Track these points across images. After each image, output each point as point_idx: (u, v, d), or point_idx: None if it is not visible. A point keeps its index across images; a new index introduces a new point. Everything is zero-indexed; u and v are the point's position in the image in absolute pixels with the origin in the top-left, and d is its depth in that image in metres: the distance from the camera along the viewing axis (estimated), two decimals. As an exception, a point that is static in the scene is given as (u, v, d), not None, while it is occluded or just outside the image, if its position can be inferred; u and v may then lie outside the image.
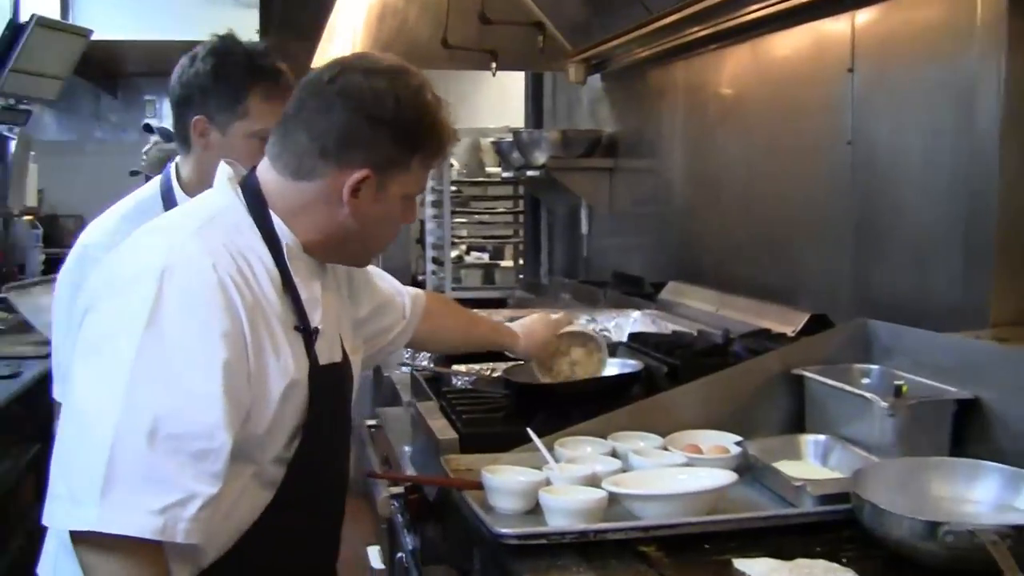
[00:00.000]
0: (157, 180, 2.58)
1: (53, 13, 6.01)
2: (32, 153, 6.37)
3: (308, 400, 1.80)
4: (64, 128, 8.60)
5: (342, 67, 1.83)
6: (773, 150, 3.46)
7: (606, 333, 3.64)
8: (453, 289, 6.78)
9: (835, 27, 3.07)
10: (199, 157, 2.52)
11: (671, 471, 2.04)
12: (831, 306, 3.02)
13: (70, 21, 6.21)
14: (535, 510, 1.90)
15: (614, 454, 2.17)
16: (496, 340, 2.66)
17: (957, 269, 2.57)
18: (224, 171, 1.90)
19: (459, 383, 2.82)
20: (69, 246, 2.50)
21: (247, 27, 5.70)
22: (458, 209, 7.03)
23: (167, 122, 6.48)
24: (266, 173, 1.86)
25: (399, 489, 2.65)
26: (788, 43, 3.38)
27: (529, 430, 2.12)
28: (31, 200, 6.52)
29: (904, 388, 2.07)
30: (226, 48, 2.51)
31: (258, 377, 1.72)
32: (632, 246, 4.80)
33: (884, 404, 2.04)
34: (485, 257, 7.69)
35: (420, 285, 7.47)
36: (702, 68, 4.03)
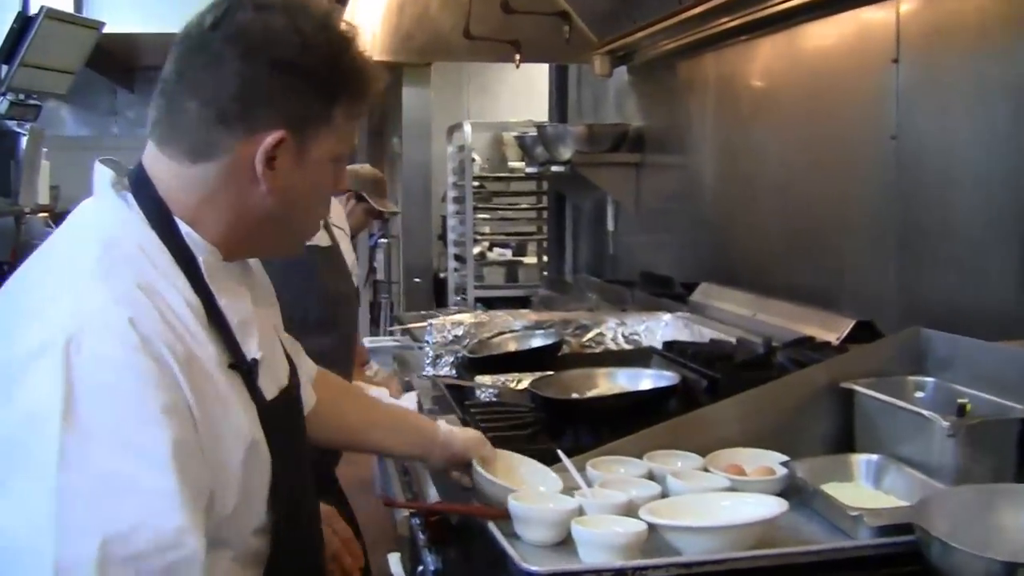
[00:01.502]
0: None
1: (65, 5, 5.89)
2: (45, 149, 6.25)
3: (269, 451, 1.47)
4: (80, 123, 8.52)
5: (226, 5, 1.46)
6: (811, 145, 3.30)
7: (636, 337, 3.50)
8: (476, 287, 6.65)
9: (878, 15, 2.91)
10: None
11: (714, 497, 1.88)
12: (874, 311, 2.85)
13: (83, 14, 6.09)
14: (566, 541, 1.74)
15: (650, 476, 2.02)
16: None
17: (1012, 273, 2.41)
18: (103, 174, 1.51)
19: (483, 396, 2.67)
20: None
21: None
22: (480, 205, 6.90)
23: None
24: (155, 163, 1.49)
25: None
26: (827, 32, 3.21)
27: (560, 452, 1.97)
28: (43, 198, 6.40)
29: (968, 406, 1.90)
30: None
31: (213, 449, 1.37)
32: (660, 244, 4.64)
33: (945, 424, 1.88)
34: (508, 254, 7.57)
35: (442, 283, 7.36)
36: (734, 60, 3.86)
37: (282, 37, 1.44)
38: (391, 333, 5.15)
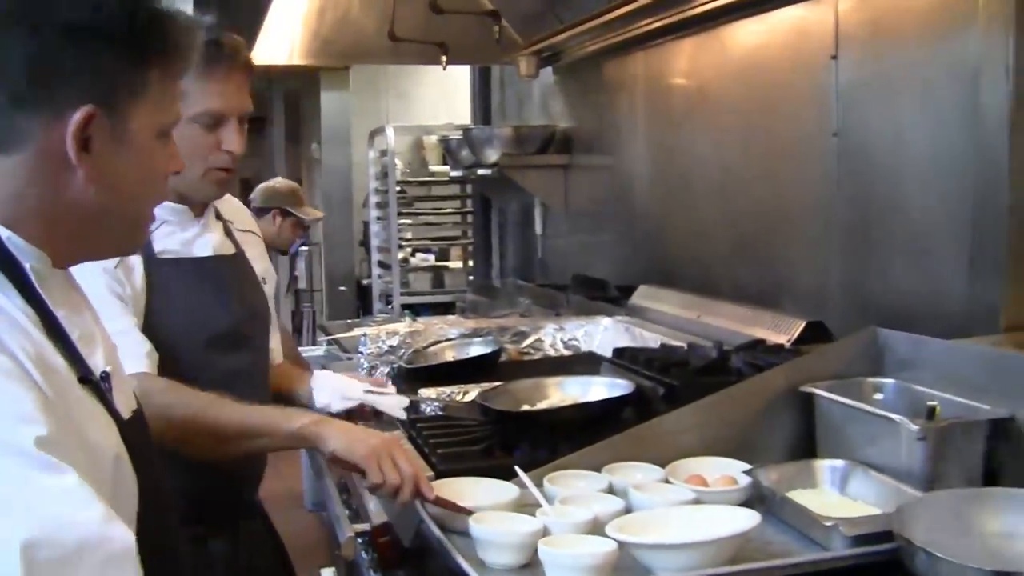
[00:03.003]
0: None
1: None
2: None
3: (134, 472, 1.32)
4: None
5: None
6: (750, 144, 3.25)
7: (575, 343, 3.43)
8: (402, 294, 6.55)
9: (815, 11, 2.88)
10: None
11: (681, 511, 1.81)
12: (821, 311, 2.81)
13: None
14: (532, 562, 1.66)
15: (610, 490, 1.94)
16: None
17: (962, 270, 2.38)
18: None
19: (428, 409, 2.57)
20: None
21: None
22: (402, 210, 6.81)
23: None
24: None
25: (364, 527, 2.40)
26: (762, 30, 3.17)
27: (518, 469, 1.88)
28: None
29: (937, 409, 1.85)
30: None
31: (86, 463, 1.19)
32: (593, 247, 4.58)
33: (914, 427, 1.82)
34: (431, 259, 7.49)
35: (366, 290, 7.25)
36: (664, 59, 3.81)
37: None
38: (317, 343, 5.04)
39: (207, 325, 2.29)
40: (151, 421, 1.67)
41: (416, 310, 6.16)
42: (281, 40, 5.07)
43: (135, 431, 1.37)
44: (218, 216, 2.46)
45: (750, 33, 3.23)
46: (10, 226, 1.28)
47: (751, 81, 3.23)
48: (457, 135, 5.31)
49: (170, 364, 2.13)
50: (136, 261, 2.22)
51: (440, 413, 2.49)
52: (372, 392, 2.64)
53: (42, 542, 1.07)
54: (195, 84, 2.17)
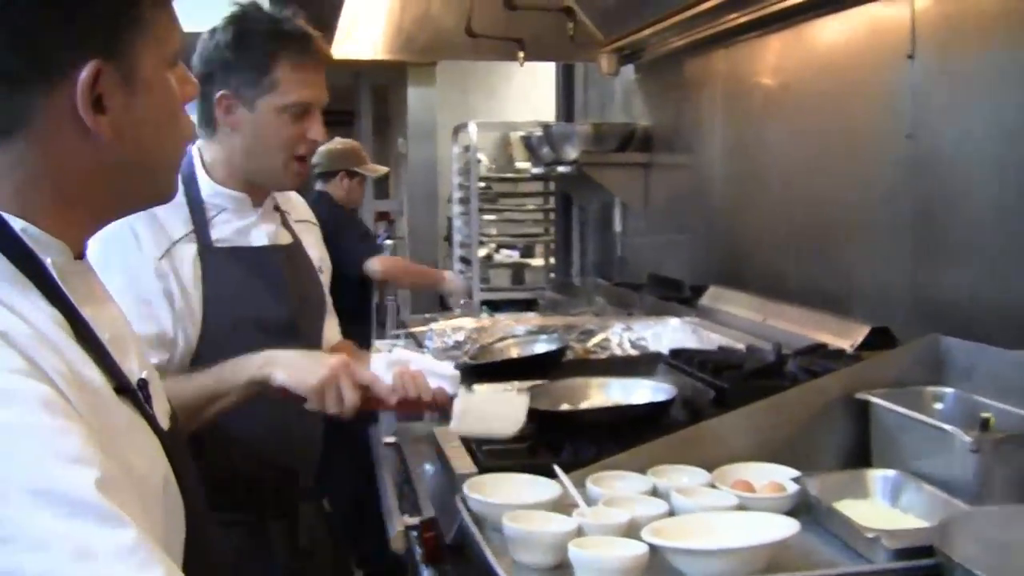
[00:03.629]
0: None
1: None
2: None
3: (181, 493, 1.23)
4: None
5: None
6: (823, 144, 3.18)
7: (643, 343, 3.39)
8: (481, 290, 6.55)
9: (892, 10, 2.80)
10: (227, 139, 2.33)
11: (721, 516, 1.77)
12: (888, 316, 2.74)
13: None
14: (565, 563, 1.64)
15: (654, 492, 1.91)
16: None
17: (1035, 277, 2.30)
18: None
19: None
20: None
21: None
22: (486, 206, 6.81)
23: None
24: None
25: (414, 521, 2.40)
26: (840, 28, 3.10)
27: (556, 468, 1.86)
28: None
29: (991, 420, 1.79)
30: (246, 15, 2.31)
31: (140, 489, 1.10)
32: (669, 246, 4.53)
33: (967, 439, 1.77)
34: (515, 255, 7.47)
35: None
36: (744, 57, 3.75)
37: None
38: (396, 336, 5.06)
39: (262, 314, 2.32)
40: None
41: (496, 306, 6.15)
42: (365, 34, 5.09)
43: (176, 442, 1.28)
44: (275, 207, 2.48)
45: (828, 31, 3.17)
46: (25, 215, 1.17)
47: (826, 80, 3.17)
48: (539, 132, 5.29)
49: (224, 353, 2.13)
50: (188, 251, 2.25)
51: (492, 409, 2.47)
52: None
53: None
54: (289, 74, 2.26)
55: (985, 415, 1.80)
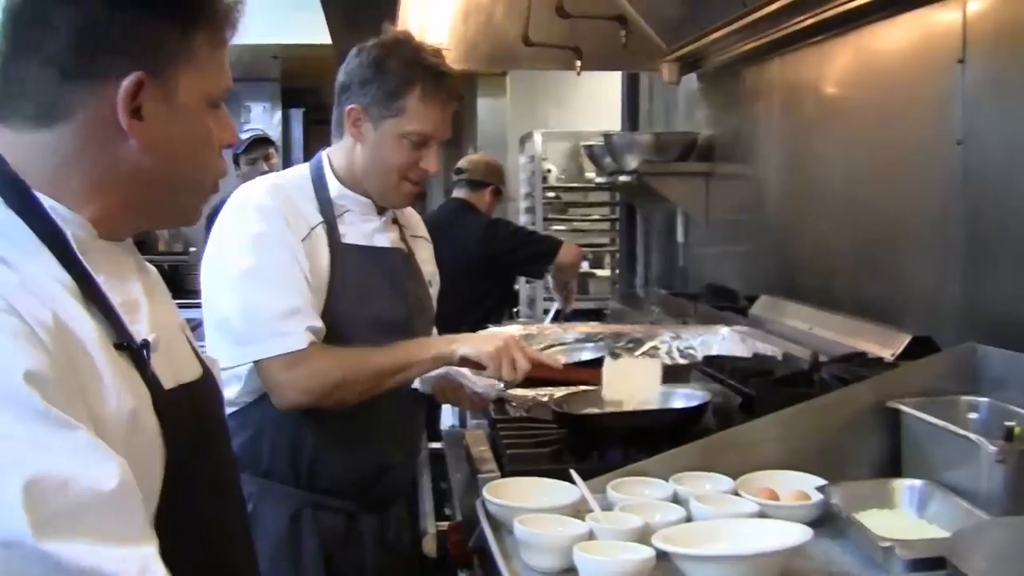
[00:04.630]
0: (306, 164, 2.55)
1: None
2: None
3: (163, 443, 1.29)
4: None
5: None
6: (874, 152, 3.13)
7: (691, 351, 3.37)
8: (545, 299, 6.54)
9: (944, 14, 2.75)
10: (351, 148, 2.47)
11: (736, 524, 1.75)
12: (938, 326, 2.68)
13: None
14: (572, 567, 1.63)
15: (675, 499, 1.89)
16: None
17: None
18: None
19: (514, 411, 2.56)
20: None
21: (313, 29, 5.55)
22: (553, 216, 6.80)
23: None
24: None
25: (444, 526, 2.42)
26: (892, 33, 3.05)
27: (573, 472, 1.85)
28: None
29: (1016, 430, 1.75)
30: (395, 42, 2.47)
31: (97, 416, 1.18)
32: (728, 256, 4.49)
33: (992, 448, 1.73)
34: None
35: (515, 295, 7.26)
36: (799, 65, 3.71)
37: None
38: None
39: (383, 312, 2.46)
40: (303, 390, 2.24)
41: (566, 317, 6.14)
42: (433, 40, 5.12)
43: (179, 405, 1.35)
44: (394, 220, 2.60)
45: (879, 37, 3.12)
46: (56, 197, 1.28)
47: (878, 87, 3.12)
48: (601, 142, 5.27)
49: (342, 344, 2.33)
50: (321, 240, 2.39)
51: (525, 414, 2.47)
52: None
53: (51, 485, 1.06)
54: (416, 104, 2.39)
55: (1009, 424, 1.75)
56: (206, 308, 2.33)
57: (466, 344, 2.34)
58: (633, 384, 2.36)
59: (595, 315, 5.84)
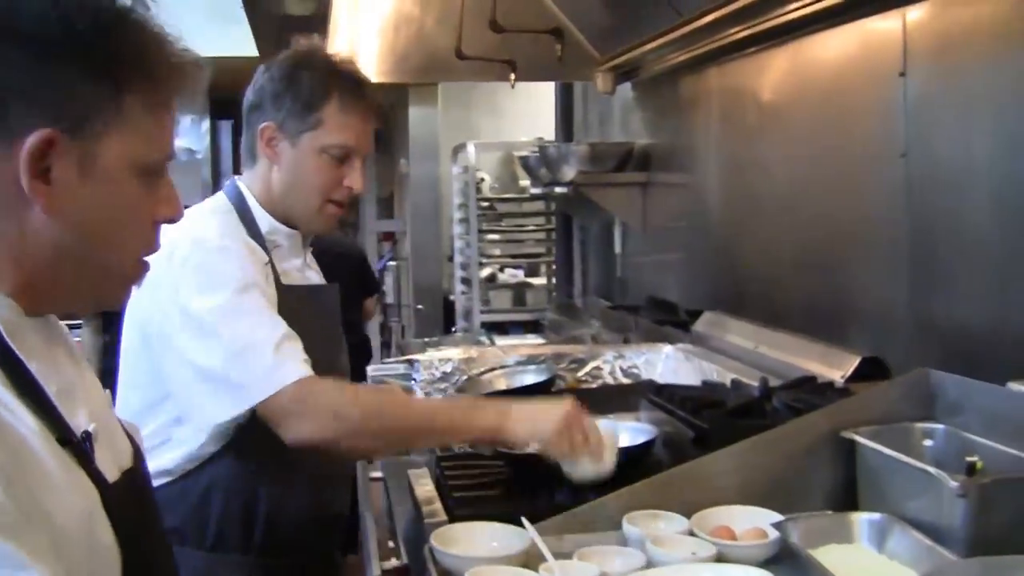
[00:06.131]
0: (217, 197, 2.35)
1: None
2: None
3: (118, 546, 1.19)
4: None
5: None
6: (817, 165, 3.10)
7: (635, 371, 3.32)
8: (482, 311, 6.48)
9: (884, 25, 2.72)
10: (267, 172, 2.29)
11: (697, 569, 1.69)
12: (886, 343, 2.65)
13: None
14: (528, 624, 1.56)
15: (631, 541, 1.83)
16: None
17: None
18: None
19: (458, 447, 2.48)
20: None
21: (239, 42, 5.45)
22: (487, 227, 6.75)
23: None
24: None
25: (392, 565, 2.33)
26: (831, 45, 3.02)
27: (525, 521, 1.78)
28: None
29: (978, 464, 1.70)
30: (306, 53, 2.34)
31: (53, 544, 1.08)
32: (668, 268, 4.44)
33: (954, 483, 1.68)
34: (520, 275, 7.40)
35: (452, 306, 7.20)
36: (737, 74, 3.67)
37: (31, 10, 1.13)
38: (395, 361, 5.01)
39: (323, 357, 2.23)
40: (317, 421, 2.00)
41: (498, 328, 6.10)
42: (361, 58, 5.03)
43: (123, 496, 1.24)
44: None
45: (819, 48, 3.08)
46: None
47: (820, 98, 3.08)
48: (537, 152, 5.22)
49: None
50: (270, 281, 2.22)
51: (469, 450, 2.40)
52: None
53: None
54: (335, 114, 2.24)
55: (971, 459, 1.70)
56: (176, 365, 2.09)
57: (520, 428, 2.07)
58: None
59: (533, 326, 5.79)
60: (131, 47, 1.19)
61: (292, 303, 2.20)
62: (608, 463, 2.08)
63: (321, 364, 2.17)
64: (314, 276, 2.43)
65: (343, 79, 2.28)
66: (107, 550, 1.18)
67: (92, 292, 1.28)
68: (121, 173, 1.21)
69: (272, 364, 2.02)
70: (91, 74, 1.17)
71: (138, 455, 1.37)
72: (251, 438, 2.12)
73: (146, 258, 1.30)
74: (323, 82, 2.25)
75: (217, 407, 2.04)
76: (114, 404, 1.47)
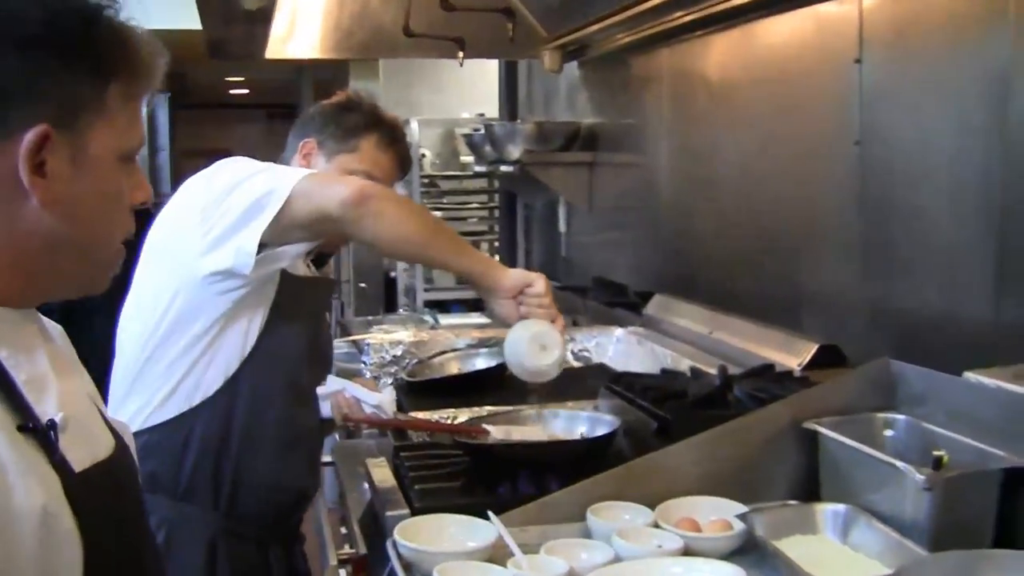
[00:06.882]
0: None
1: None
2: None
3: (80, 532, 1.19)
4: None
5: None
6: (770, 149, 3.10)
7: (586, 354, 3.31)
8: (426, 290, 6.44)
9: (839, 11, 2.72)
10: None
11: (664, 564, 1.68)
12: (837, 331, 2.67)
13: None
14: (497, 621, 1.54)
15: (596, 534, 1.82)
16: None
17: (988, 291, 2.23)
18: None
19: (415, 436, 2.46)
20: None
21: (184, 14, 5.34)
22: (429, 204, 6.70)
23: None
24: None
25: (346, 554, 2.31)
26: (786, 29, 3.01)
27: (491, 515, 1.76)
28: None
29: (944, 459, 1.71)
30: (359, 98, 2.65)
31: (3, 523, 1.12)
32: (615, 248, 4.43)
33: (920, 477, 1.68)
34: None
35: (393, 283, 7.15)
36: (689, 55, 3.66)
37: (21, 12, 1.19)
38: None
39: (317, 343, 2.45)
40: (354, 182, 2.15)
41: (441, 306, 6.05)
42: (304, 33, 4.95)
43: (93, 486, 1.24)
44: None
45: (774, 32, 3.08)
46: None
47: (773, 83, 3.08)
48: (481, 130, 5.17)
49: (280, 380, 2.29)
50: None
51: (428, 440, 2.37)
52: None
53: None
54: (371, 150, 2.51)
55: (938, 453, 1.71)
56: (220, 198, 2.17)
57: (504, 270, 2.32)
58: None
59: (475, 305, 5.75)
60: (111, 43, 1.25)
61: (293, 291, 2.31)
62: (556, 354, 2.21)
63: (313, 352, 2.38)
64: (306, 271, 2.51)
65: (385, 124, 2.56)
66: (66, 534, 1.19)
67: (79, 278, 1.33)
68: (107, 162, 1.27)
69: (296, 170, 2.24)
70: (78, 69, 1.22)
71: (122, 450, 1.37)
72: (232, 395, 2.24)
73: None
74: (367, 121, 2.53)
75: (255, 220, 2.11)
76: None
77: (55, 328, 1.40)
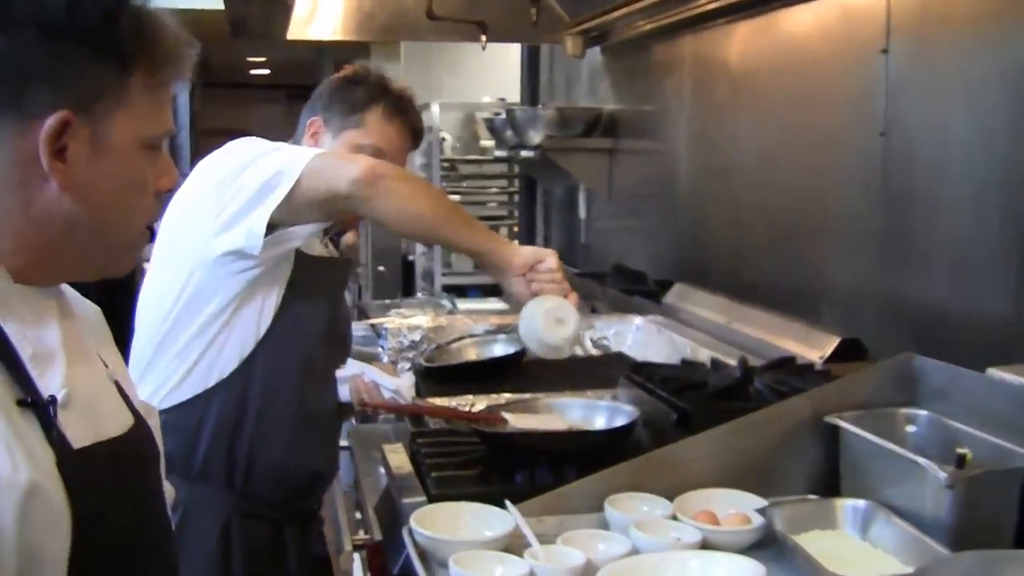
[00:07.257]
0: None
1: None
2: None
3: (71, 510, 1.19)
4: None
5: None
6: (793, 139, 3.07)
7: (605, 343, 3.29)
8: (444, 274, 6.43)
9: (866, 1, 2.69)
10: None
11: (682, 558, 1.67)
12: (858, 322, 2.65)
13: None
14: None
15: (614, 526, 1.81)
16: None
17: (1010, 285, 2.21)
18: None
19: (433, 422, 2.45)
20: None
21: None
22: (449, 188, 6.68)
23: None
24: None
25: (364, 540, 2.31)
26: (811, 18, 2.99)
27: (508, 504, 1.75)
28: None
29: (968, 457, 1.69)
30: (364, 70, 2.58)
31: None
32: (634, 235, 4.41)
33: (942, 474, 1.67)
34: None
35: (411, 266, 7.14)
36: (712, 43, 3.63)
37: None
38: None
39: (334, 323, 2.46)
40: (365, 160, 2.16)
41: (459, 291, 6.05)
42: (326, 13, 4.94)
43: (92, 464, 1.24)
44: None
45: (799, 22, 3.06)
46: None
47: (796, 72, 3.06)
48: (502, 114, 5.16)
49: (295, 359, 2.31)
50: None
51: (445, 426, 2.37)
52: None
53: None
54: (377, 122, 2.46)
55: (961, 450, 1.69)
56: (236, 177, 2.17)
57: (512, 246, 2.29)
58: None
59: (493, 290, 5.74)
60: (134, 31, 1.26)
61: (308, 271, 2.32)
62: (572, 327, 2.17)
63: (330, 333, 2.40)
64: (323, 250, 2.51)
65: (391, 94, 2.50)
66: (56, 509, 1.19)
67: (100, 260, 1.35)
68: (128, 149, 1.28)
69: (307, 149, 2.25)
70: (99, 57, 1.24)
71: (138, 431, 1.38)
72: (247, 375, 2.25)
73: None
74: (372, 92, 2.48)
75: (267, 200, 2.11)
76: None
77: (89, 307, 1.42)
